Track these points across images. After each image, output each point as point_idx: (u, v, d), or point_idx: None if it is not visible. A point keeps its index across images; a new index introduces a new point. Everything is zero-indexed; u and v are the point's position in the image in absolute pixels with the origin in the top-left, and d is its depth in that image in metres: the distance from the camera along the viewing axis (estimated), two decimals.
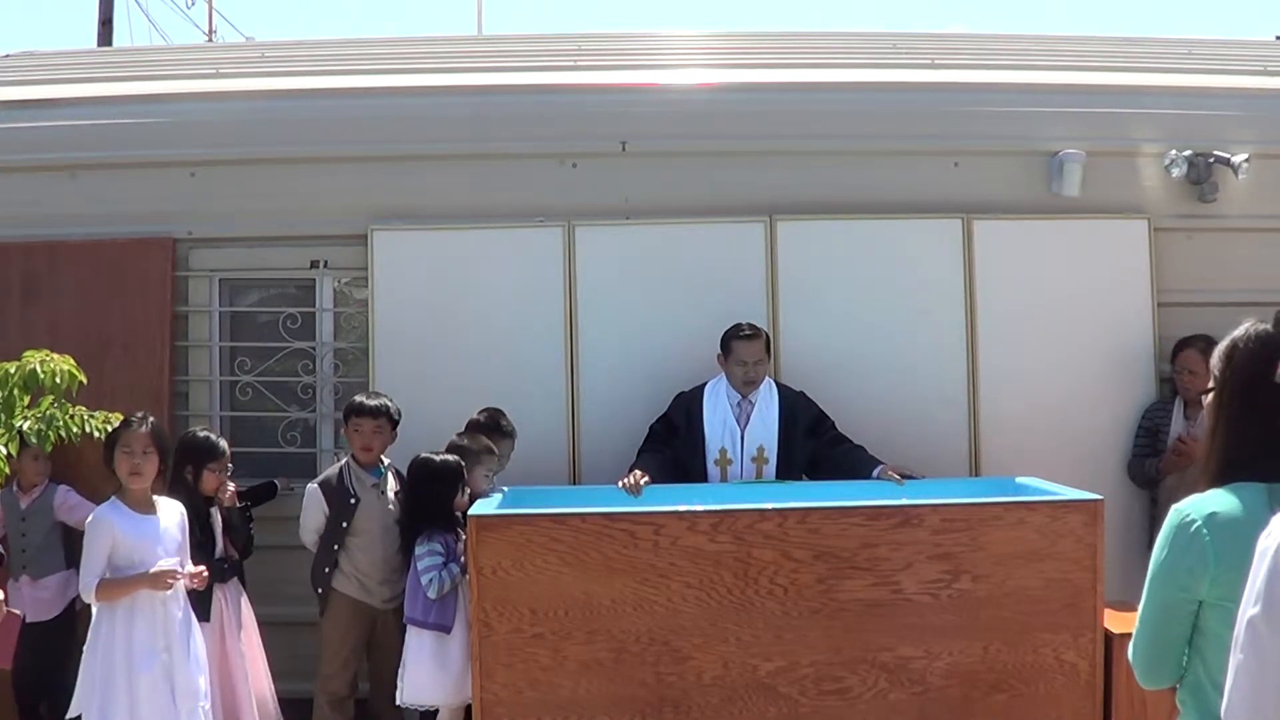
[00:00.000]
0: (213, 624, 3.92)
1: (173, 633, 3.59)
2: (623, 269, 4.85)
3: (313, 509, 4.19)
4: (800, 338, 4.82)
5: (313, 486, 4.22)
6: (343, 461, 4.30)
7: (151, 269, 4.89)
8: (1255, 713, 1.46)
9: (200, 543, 3.93)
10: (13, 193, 4.95)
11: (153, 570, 3.56)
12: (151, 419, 3.72)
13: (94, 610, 3.59)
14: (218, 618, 3.98)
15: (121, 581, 3.52)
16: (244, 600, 4.14)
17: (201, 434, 4.14)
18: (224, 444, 4.14)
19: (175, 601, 3.63)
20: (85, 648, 3.56)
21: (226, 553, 4.09)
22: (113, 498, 3.62)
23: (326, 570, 4.14)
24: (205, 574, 3.74)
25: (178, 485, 3.97)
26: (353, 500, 4.16)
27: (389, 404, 4.28)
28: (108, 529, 3.53)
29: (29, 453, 4.28)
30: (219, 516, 4.11)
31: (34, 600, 4.35)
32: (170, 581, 3.57)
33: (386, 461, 4.31)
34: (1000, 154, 4.97)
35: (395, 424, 4.29)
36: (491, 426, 4.36)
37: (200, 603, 3.84)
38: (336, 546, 4.13)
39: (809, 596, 3.58)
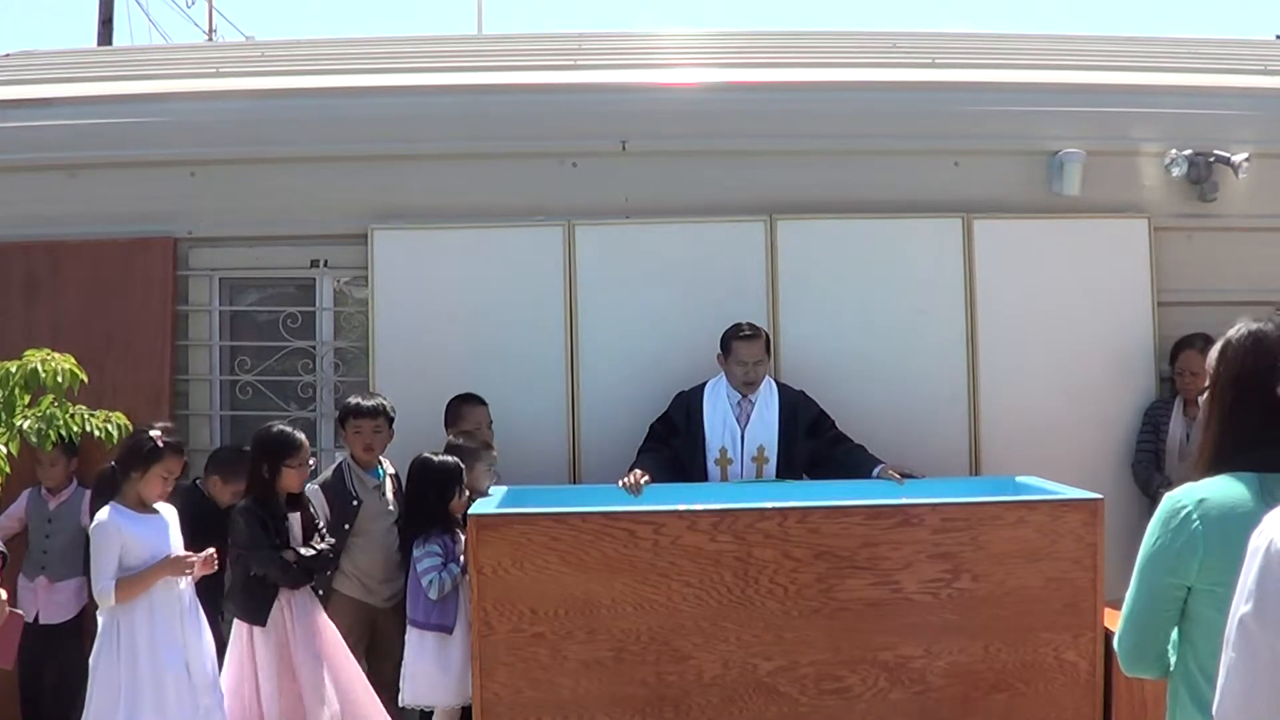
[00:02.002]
0: (269, 631, 3.75)
1: (188, 625, 3.62)
2: (623, 269, 4.85)
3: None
4: (800, 338, 4.83)
5: (313, 488, 4.19)
6: (340, 462, 4.28)
7: (152, 268, 4.89)
8: (1248, 711, 1.47)
9: (276, 546, 3.78)
10: (13, 193, 4.95)
11: (173, 555, 3.61)
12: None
13: (100, 619, 3.60)
14: (279, 625, 3.78)
15: (141, 576, 3.54)
16: (319, 610, 3.91)
17: (276, 430, 3.93)
18: (302, 437, 3.93)
19: (185, 594, 3.67)
20: (95, 656, 3.55)
21: (300, 556, 3.84)
22: (113, 502, 3.63)
23: (328, 573, 4.12)
24: (214, 556, 3.73)
25: (254, 485, 3.86)
26: (355, 502, 4.15)
27: (385, 403, 4.28)
28: (115, 532, 3.54)
29: (48, 456, 4.30)
30: (298, 521, 3.91)
31: (49, 603, 4.37)
32: (190, 564, 3.61)
33: (386, 464, 4.31)
34: (1000, 154, 4.98)
35: (392, 422, 4.29)
36: (465, 398, 4.43)
37: (259, 608, 3.73)
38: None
39: (809, 596, 3.58)
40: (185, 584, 3.68)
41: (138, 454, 3.62)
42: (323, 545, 3.92)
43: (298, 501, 3.93)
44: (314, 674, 3.79)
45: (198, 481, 4.47)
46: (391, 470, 4.32)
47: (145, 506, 3.66)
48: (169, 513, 3.75)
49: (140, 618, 3.53)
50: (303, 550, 3.85)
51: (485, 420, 4.47)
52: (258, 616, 3.75)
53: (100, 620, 3.60)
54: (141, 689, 3.48)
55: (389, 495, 4.24)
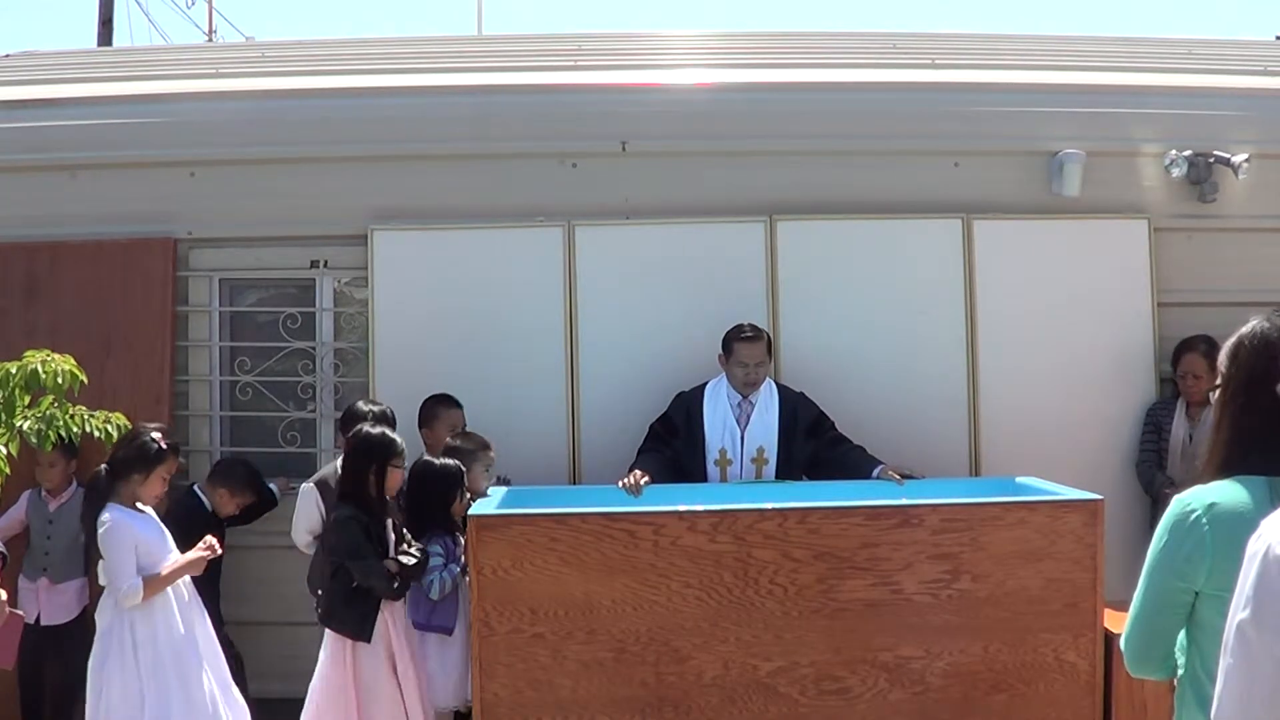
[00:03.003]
0: (374, 646, 3.64)
1: (195, 622, 3.67)
2: (623, 269, 4.85)
3: (308, 509, 4.15)
4: (800, 338, 4.82)
5: (308, 486, 4.17)
6: (338, 461, 4.26)
7: (152, 269, 4.89)
8: (1245, 716, 1.46)
9: (378, 554, 3.68)
10: (13, 193, 4.95)
11: (193, 554, 3.67)
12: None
13: (101, 622, 3.59)
14: (383, 639, 3.66)
15: (164, 574, 3.59)
16: (408, 623, 3.80)
17: (378, 431, 3.80)
18: (400, 440, 3.84)
19: (191, 594, 3.71)
20: (102, 659, 3.54)
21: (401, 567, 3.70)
22: (112, 504, 3.62)
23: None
24: (216, 544, 3.78)
25: (357, 491, 3.70)
26: None
27: (387, 413, 4.24)
28: (128, 532, 3.56)
29: (47, 457, 4.31)
30: (392, 526, 3.79)
31: (51, 604, 4.37)
32: (205, 560, 3.68)
33: None
34: (1000, 154, 4.97)
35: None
36: (440, 399, 4.43)
37: (363, 622, 3.62)
38: None
39: (809, 596, 3.58)
40: (188, 581, 3.72)
41: (144, 456, 3.65)
42: (414, 551, 3.77)
43: (384, 507, 3.81)
44: (414, 691, 3.69)
45: (195, 487, 4.48)
46: None
47: (137, 508, 3.67)
48: (155, 513, 3.78)
49: (160, 615, 3.56)
50: (402, 559, 3.71)
51: (460, 423, 4.41)
52: (362, 631, 3.62)
53: (101, 623, 3.60)
54: (168, 686, 3.50)
55: None
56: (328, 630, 3.71)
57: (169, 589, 3.62)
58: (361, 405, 4.26)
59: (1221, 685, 1.50)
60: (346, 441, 3.88)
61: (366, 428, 3.84)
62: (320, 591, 4.11)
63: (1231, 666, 1.48)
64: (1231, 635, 1.49)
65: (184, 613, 3.64)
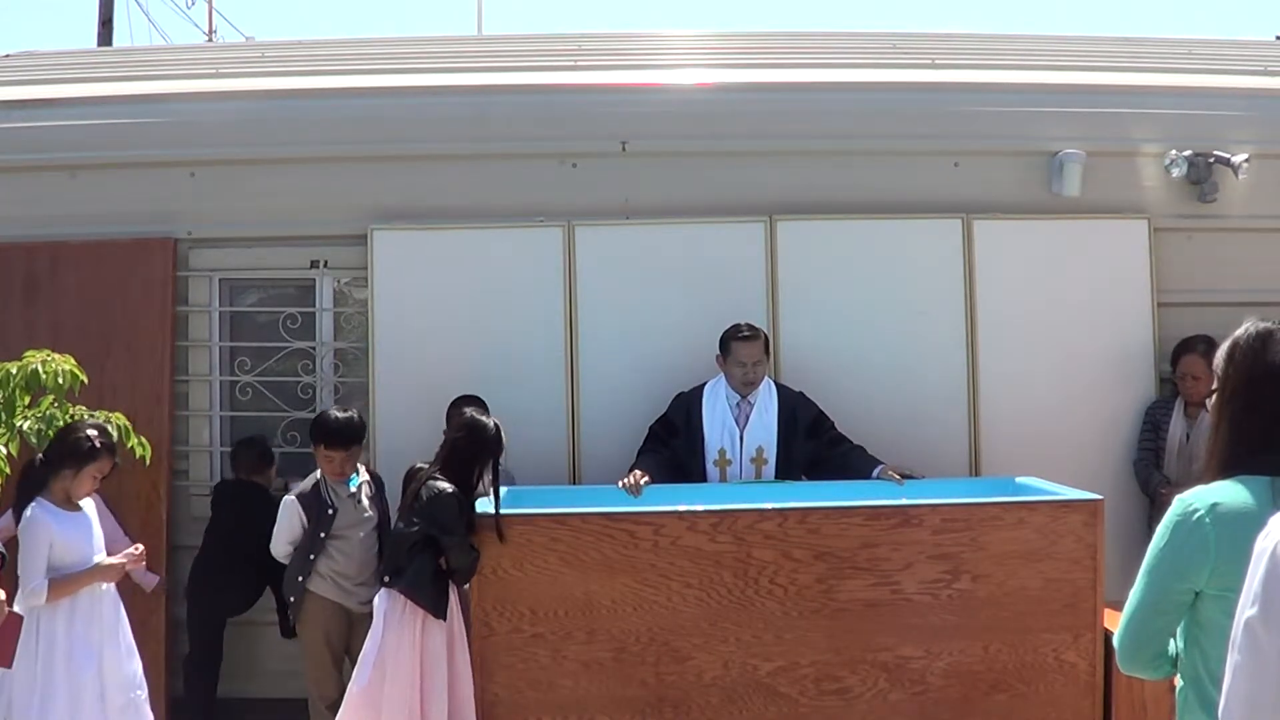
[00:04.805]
0: (442, 624, 3.71)
1: (106, 627, 3.59)
2: (623, 269, 4.84)
3: (290, 521, 4.11)
4: (800, 338, 4.82)
5: (290, 499, 4.12)
6: (317, 474, 4.21)
7: (152, 269, 4.89)
8: (1252, 714, 1.47)
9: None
10: (13, 193, 4.95)
11: (107, 561, 3.58)
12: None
13: (33, 615, 3.56)
14: (451, 617, 3.75)
15: (74, 578, 3.51)
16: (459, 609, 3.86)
17: (494, 424, 3.82)
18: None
19: (108, 595, 3.63)
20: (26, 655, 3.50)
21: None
22: (39, 499, 3.55)
23: (301, 579, 4.09)
24: (143, 552, 3.75)
25: (464, 475, 3.74)
26: (330, 511, 4.11)
27: (355, 421, 4.20)
28: (46, 530, 3.48)
29: None
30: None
31: None
32: (122, 569, 3.61)
33: (361, 470, 4.28)
34: (1000, 154, 4.97)
35: (363, 438, 4.25)
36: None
37: (440, 598, 3.67)
38: (313, 556, 4.09)
39: (809, 596, 3.58)
40: (109, 585, 3.66)
41: (75, 452, 3.55)
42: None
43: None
44: (465, 668, 3.71)
45: (260, 481, 4.65)
46: (365, 477, 4.29)
47: (70, 504, 3.61)
48: (90, 509, 3.70)
49: (60, 623, 3.49)
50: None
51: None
52: (439, 608, 3.68)
53: (34, 618, 3.58)
54: (55, 692, 3.44)
55: (364, 501, 4.21)
56: (395, 601, 3.67)
57: (87, 597, 3.54)
58: (332, 413, 4.23)
59: (1229, 683, 1.51)
60: (452, 426, 3.93)
61: (483, 418, 3.86)
62: (293, 598, 4.11)
63: (1239, 664, 1.49)
64: (1239, 633, 1.49)
65: (89, 624, 3.54)
